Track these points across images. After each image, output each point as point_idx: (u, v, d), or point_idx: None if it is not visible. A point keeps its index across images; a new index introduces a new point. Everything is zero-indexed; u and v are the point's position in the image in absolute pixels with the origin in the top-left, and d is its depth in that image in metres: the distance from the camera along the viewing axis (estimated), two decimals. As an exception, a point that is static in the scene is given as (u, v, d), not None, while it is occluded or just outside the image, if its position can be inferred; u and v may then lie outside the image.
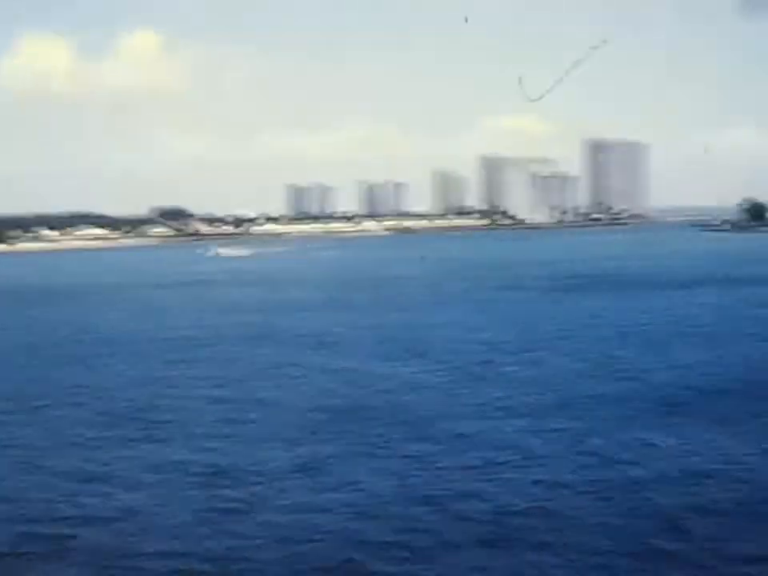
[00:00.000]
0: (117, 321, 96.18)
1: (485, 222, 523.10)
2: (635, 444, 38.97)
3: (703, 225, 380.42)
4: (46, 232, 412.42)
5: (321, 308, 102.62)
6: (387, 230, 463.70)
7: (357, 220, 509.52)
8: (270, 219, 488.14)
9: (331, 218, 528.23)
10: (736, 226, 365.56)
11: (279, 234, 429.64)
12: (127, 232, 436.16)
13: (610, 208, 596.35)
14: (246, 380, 57.73)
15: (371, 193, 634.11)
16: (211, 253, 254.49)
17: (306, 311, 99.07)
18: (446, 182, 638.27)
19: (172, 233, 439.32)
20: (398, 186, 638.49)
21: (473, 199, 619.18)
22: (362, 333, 79.62)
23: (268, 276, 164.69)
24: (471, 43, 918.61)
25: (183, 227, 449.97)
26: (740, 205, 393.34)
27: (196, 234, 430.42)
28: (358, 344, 72.81)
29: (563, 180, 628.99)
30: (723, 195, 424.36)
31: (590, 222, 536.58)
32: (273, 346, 73.06)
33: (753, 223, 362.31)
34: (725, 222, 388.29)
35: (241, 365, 64.13)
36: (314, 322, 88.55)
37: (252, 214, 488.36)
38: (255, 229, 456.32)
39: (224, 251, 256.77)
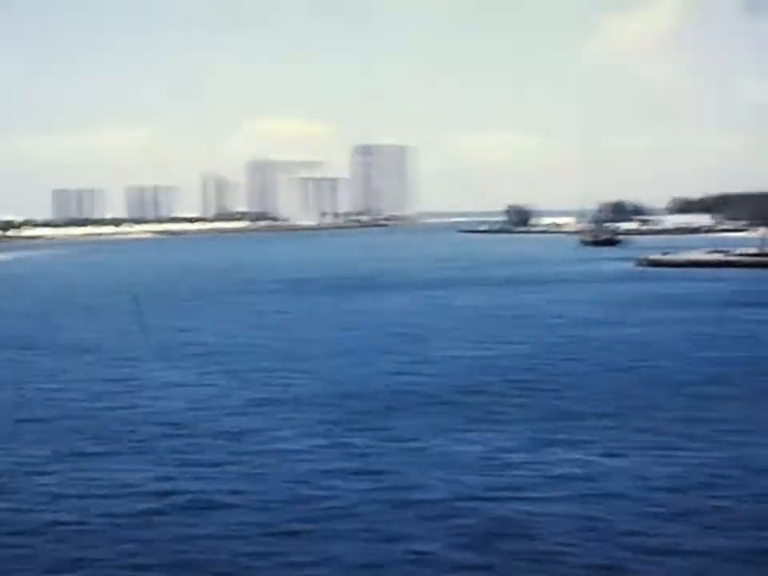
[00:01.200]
0: None
1: (251, 225, 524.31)
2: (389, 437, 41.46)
3: (464, 228, 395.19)
4: None
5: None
6: (153, 233, 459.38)
7: (123, 224, 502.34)
8: (28, 223, 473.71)
9: (98, 222, 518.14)
10: (495, 230, 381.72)
11: (39, 238, 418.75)
12: None
13: (373, 210, 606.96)
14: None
15: (140, 197, 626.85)
16: None
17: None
18: (215, 186, 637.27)
19: None
20: (167, 189, 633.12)
21: (242, 202, 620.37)
22: (94, 337, 79.16)
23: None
24: (241, 44, 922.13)
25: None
26: (505, 211, 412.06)
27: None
28: (93, 348, 72.25)
29: (331, 183, 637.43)
30: (491, 199, 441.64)
31: (353, 224, 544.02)
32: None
33: (515, 227, 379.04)
34: (483, 222, 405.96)
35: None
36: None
37: (16, 219, 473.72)
38: (15, 233, 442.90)
39: None
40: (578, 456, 38.03)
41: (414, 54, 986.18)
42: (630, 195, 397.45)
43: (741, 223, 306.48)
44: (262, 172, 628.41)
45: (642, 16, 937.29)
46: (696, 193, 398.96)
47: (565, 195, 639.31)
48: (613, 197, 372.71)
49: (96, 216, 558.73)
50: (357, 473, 36.30)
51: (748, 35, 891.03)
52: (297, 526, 30.62)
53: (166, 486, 35.25)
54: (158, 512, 32.31)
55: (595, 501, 32.48)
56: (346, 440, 41.36)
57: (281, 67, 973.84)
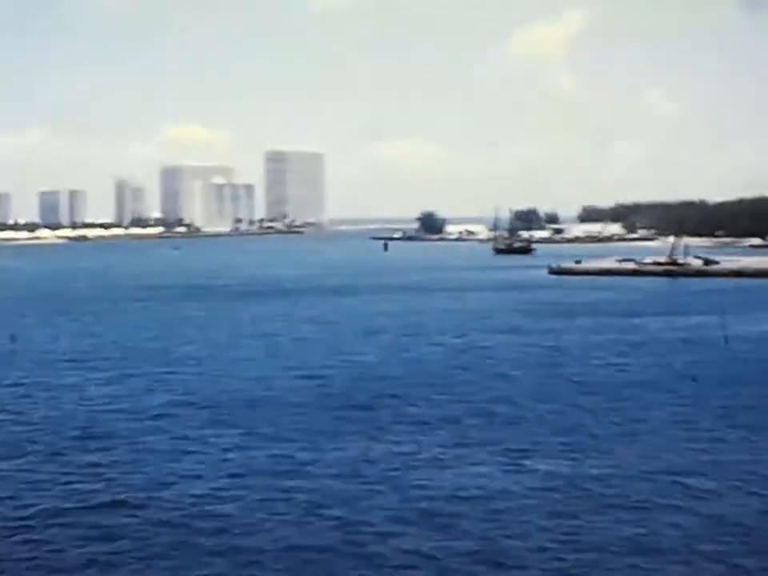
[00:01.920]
0: None
1: (162, 230, 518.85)
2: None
3: (377, 236, 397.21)
4: None
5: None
6: (63, 238, 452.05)
7: (32, 228, 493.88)
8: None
9: (11, 227, 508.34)
10: (408, 237, 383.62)
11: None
12: None
13: (285, 217, 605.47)
14: None
15: (49, 201, 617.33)
16: None
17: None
18: (126, 191, 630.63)
19: None
20: (77, 194, 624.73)
21: (154, 208, 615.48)
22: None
23: None
24: (150, 48, 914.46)
25: None
26: (418, 218, 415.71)
27: None
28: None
29: (242, 189, 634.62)
30: (405, 206, 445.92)
31: (266, 231, 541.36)
32: None
33: (428, 235, 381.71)
34: (398, 230, 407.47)
35: None
36: None
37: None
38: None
39: None
40: (472, 461, 38.19)
41: (325, 61, 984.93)
42: (541, 203, 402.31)
43: (651, 232, 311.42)
44: (173, 178, 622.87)
45: (548, 28, 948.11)
46: (607, 202, 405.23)
47: (476, 203, 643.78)
48: (524, 205, 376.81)
49: (9, 221, 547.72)
50: (262, 474, 36.39)
51: (654, 45, 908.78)
52: (199, 524, 30.70)
53: (71, 487, 34.98)
54: (63, 513, 32.01)
55: (491, 503, 32.74)
56: (250, 443, 41.25)
57: (185, 73, 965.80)
